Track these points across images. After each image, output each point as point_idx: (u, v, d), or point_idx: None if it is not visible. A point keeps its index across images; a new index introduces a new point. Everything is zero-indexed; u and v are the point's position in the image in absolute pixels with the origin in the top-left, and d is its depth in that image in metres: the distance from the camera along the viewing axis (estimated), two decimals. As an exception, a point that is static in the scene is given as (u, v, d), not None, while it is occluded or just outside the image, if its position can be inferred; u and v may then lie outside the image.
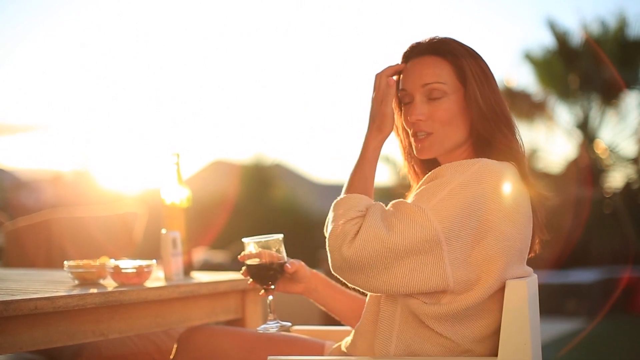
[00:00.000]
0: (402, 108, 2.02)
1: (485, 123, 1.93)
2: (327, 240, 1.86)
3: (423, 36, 2.02)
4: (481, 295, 1.82)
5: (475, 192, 1.80)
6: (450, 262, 1.78)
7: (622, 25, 11.31)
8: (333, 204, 1.93)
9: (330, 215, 1.91)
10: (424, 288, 1.80)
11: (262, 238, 2.06)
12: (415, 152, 2.01)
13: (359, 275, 1.82)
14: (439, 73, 1.95)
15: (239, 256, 2.08)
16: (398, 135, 2.10)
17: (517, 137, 1.97)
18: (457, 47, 1.97)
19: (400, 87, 2.01)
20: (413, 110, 1.96)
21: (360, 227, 1.83)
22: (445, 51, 1.96)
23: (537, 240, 2.00)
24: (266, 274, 2.07)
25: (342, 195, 1.95)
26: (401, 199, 1.89)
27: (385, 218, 1.82)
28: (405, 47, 2.04)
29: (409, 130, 2.01)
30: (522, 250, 1.90)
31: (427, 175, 1.92)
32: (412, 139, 2.01)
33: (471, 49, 1.99)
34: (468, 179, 1.81)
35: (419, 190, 1.87)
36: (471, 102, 1.93)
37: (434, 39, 2.00)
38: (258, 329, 2.05)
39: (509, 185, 1.83)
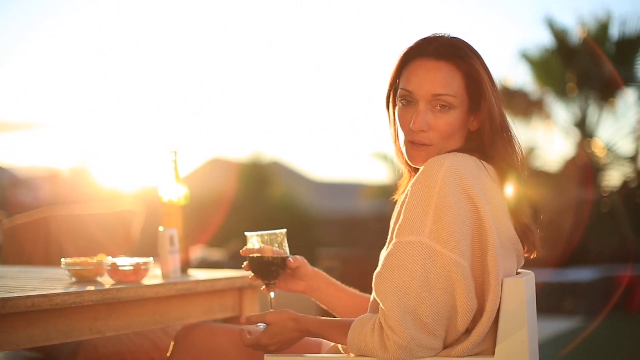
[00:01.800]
0: (401, 105, 1.93)
1: (494, 138, 1.90)
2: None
3: (431, 31, 1.92)
4: (497, 298, 1.80)
5: (458, 200, 1.77)
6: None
7: (620, 23, 11.30)
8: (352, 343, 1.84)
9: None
10: (471, 311, 1.78)
11: (265, 232, 2.06)
12: (407, 157, 1.95)
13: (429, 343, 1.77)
14: (451, 84, 1.87)
15: (241, 250, 2.08)
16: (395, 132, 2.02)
17: (516, 147, 1.93)
18: (472, 56, 1.90)
19: (403, 86, 1.92)
20: (416, 119, 1.88)
21: (381, 330, 1.78)
22: (460, 60, 1.88)
23: (534, 242, 1.96)
24: (268, 269, 2.06)
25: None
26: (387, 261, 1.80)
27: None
28: (414, 40, 1.93)
29: (403, 133, 1.94)
30: (511, 239, 1.88)
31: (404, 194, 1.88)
32: (404, 144, 1.95)
33: (479, 53, 1.93)
34: (445, 191, 1.77)
35: (399, 221, 1.82)
36: (485, 118, 1.89)
37: (445, 39, 1.92)
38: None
39: (478, 180, 1.81)
